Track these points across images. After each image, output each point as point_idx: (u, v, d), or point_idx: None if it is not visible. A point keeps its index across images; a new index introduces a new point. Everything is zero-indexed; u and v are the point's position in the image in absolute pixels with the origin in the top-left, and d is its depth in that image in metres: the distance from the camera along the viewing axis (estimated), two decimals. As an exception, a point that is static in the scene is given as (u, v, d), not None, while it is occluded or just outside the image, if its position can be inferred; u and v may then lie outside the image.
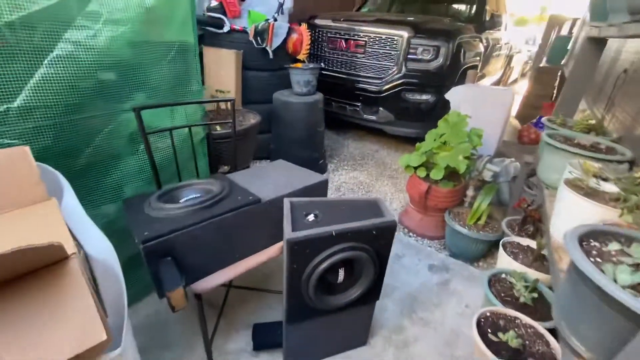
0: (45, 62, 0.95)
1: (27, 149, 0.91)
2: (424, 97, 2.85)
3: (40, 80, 0.96)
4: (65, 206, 0.92)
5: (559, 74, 5.14)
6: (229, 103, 1.53)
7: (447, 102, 2.96)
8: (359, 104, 3.08)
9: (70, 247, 0.68)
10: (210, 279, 1.04)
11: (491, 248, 1.88)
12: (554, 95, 5.20)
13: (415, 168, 1.95)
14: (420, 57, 2.77)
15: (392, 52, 2.81)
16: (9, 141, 0.95)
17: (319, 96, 2.56)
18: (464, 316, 1.51)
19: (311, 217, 1.03)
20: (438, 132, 1.96)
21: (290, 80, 2.55)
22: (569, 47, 5.23)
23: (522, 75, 8.27)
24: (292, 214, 1.02)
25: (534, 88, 5.27)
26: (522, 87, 5.59)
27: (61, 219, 0.84)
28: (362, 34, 2.92)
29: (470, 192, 1.98)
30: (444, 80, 2.82)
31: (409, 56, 2.78)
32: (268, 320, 1.37)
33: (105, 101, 1.13)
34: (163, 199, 1.06)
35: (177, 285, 0.83)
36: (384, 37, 2.82)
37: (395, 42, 2.78)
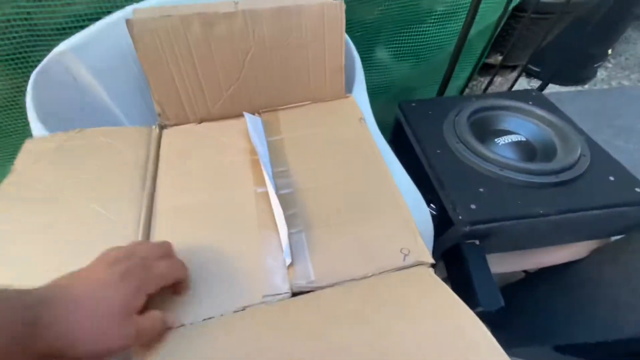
0: None
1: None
2: None
3: None
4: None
5: None
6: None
7: None
8: None
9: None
10: (508, 262, 0.75)
11: None
12: None
13: None
14: None
15: None
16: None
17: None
18: None
19: None
20: None
21: None
22: None
23: None
24: None
25: None
26: None
27: (376, 150, 0.54)
28: None
29: None
30: None
31: None
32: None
33: None
34: (477, 132, 0.67)
35: (498, 305, 0.55)
36: None
37: None
